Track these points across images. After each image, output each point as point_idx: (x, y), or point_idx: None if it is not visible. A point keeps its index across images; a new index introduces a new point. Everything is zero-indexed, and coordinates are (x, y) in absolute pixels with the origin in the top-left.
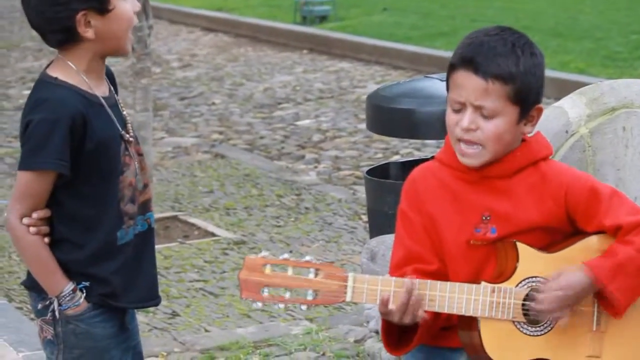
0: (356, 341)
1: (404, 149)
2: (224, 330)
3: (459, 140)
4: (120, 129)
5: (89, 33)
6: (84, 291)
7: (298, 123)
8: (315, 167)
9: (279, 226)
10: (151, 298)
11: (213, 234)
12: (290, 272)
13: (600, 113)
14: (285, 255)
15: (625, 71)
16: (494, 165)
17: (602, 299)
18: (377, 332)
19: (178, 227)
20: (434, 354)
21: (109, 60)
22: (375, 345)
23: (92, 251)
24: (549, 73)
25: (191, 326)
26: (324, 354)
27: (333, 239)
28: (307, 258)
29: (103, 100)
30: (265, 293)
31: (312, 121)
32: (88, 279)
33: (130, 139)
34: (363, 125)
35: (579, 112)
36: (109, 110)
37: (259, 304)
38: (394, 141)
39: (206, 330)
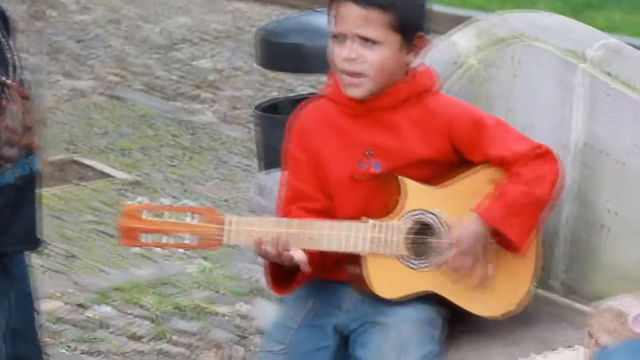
0: (252, 278)
1: (299, 87)
2: (120, 271)
3: (343, 72)
4: None
5: None
6: None
7: (194, 63)
8: (211, 106)
9: (174, 166)
10: (29, 242)
11: (109, 175)
12: (168, 217)
13: (490, 44)
14: (163, 200)
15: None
16: (379, 97)
17: (500, 239)
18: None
19: (74, 169)
20: (321, 286)
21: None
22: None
23: None
24: (447, 10)
25: (87, 267)
26: (219, 292)
27: (228, 177)
28: (185, 202)
29: None
30: (144, 239)
31: (209, 61)
32: None
33: (7, 81)
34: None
35: (468, 43)
36: None
37: (137, 248)
38: (290, 79)
39: (102, 271)
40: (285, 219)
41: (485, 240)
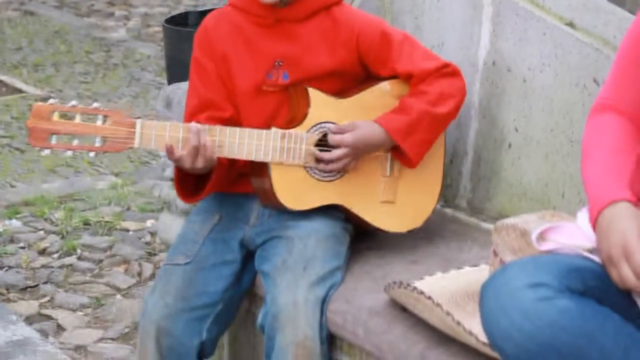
0: (160, 195)
1: (215, 7)
2: (29, 186)
3: None
4: None
5: None
6: None
7: None
8: (125, 23)
9: (87, 82)
10: None
11: (20, 90)
12: (78, 119)
13: None
14: (74, 102)
15: None
16: (287, 8)
17: (395, 151)
18: (172, 180)
19: None
20: (227, 200)
21: None
22: (171, 193)
23: None
24: None
25: None
26: (128, 208)
27: (140, 95)
28: (95, 105)
29: None
30: (54, 140)
31: None
32: None
33: None
34: None
35: None
36: None
37: (48, 152)
38: None
39: (11, 186)
40: (193, 124)
41: (382, 147)
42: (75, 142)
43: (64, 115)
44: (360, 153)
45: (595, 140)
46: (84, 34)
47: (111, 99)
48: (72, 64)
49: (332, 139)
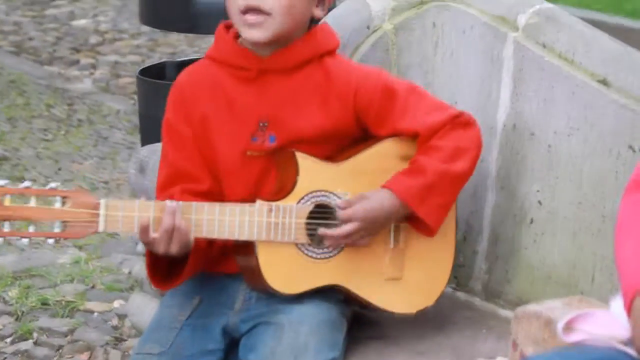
0: (131, 272)
1: (194, 55)
2: None
3: (245, 11)
4: None
5: None
6: None
7: (73, 23)
8: (92, 73)
9: (48, 140)
10: None
11: None
12: (33, 202)
13: (408, 6)
14: (27, 184)
15: None
16: (273, 57)
17: (409, 220)
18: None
19: None
20: (209, 281)
21: None
22: (144, 270)
23: None
24: None
25: None
26: (94, 287)
27: (109, 156)
28: (52, 185)
29: None
30: (6, 228)
31: (90, 21)
32: None
33: None
34: (147, 28)
35: (382, 5)
36: None
37: (0, 240)
38: (182, 45)
39: None
40: (168, 202)
41: (397, 218)
42: (32, 229)
43: (17, 199)
44: (373, 228)
45: (633, 218)
46: (44, 85)
47: (75, 160)
48: (30, 119)
49: (341, 215)
